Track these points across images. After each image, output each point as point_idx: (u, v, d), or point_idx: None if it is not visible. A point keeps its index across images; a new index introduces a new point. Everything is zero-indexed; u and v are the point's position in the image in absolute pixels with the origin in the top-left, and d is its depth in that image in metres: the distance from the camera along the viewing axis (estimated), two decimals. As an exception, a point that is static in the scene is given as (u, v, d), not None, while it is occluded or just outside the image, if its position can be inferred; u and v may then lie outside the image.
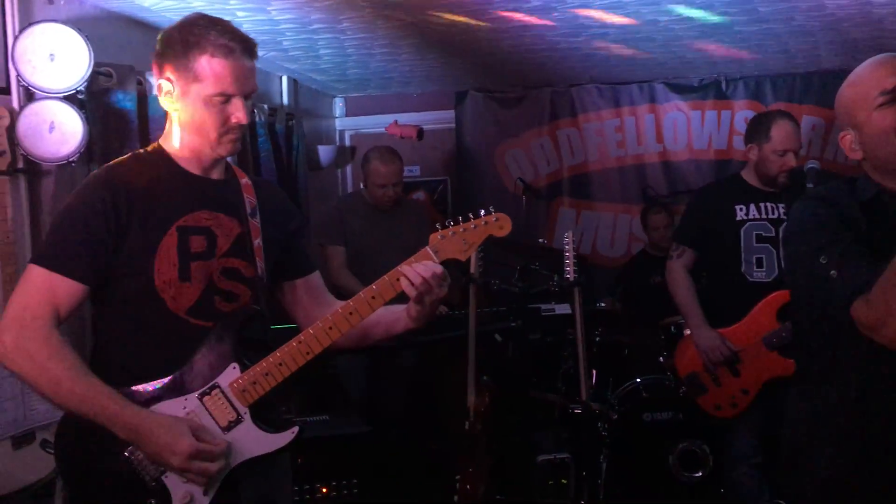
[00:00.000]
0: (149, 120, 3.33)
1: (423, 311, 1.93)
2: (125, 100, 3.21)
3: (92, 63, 2.88)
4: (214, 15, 1.93)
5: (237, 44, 1.85)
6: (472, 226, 1.91)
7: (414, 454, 4.15)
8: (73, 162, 2.92)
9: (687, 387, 3.70)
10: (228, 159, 2.02)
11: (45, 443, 2.63)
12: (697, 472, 3.89)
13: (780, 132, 3.49)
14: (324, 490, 3.36)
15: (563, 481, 3.62)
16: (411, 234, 4.39)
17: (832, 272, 1.65)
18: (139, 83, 3.29)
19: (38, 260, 1.82)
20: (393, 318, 2.02)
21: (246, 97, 1.88)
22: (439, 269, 1.88)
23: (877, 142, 1.73)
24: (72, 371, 1.76)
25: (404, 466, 4.01)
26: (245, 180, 2.03)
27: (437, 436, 4.14)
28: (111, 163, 1.95)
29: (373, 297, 1.90)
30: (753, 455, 3.59)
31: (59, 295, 1.80)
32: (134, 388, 1.82)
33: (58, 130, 2.86)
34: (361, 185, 4.46)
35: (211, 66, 1.82)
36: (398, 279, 1.89)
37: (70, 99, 2.90)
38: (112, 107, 3.17)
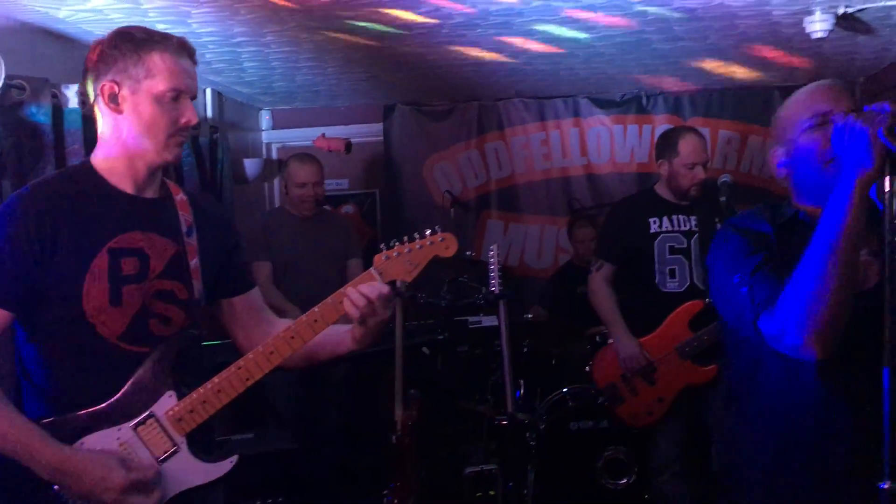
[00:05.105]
0: (64, 133, 3.22)
1: (367, 333, 1.90)
2: (39, 113, 3.11)
3: (3, 76, 2.79)
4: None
5: (182, 46, 1.86)
6: (418, 246, 1.87)
7: (342, 469, 4.12)
8: (-17, 177, 2.82)
9: (605, 397, 3.79)
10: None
11: None
12: (623, 480, 3.96)
13: (687, 147, 3.60)
14: (250, 508, 3.32)
15: (491, 493, 3.65)
16: (338, 244, 4.41)
17: (743, 289, 1.73)
18: (54, 96, 3.19)
19: None
20: (337, 339, 1.97)
21: (192, 98, 1.88)
22: (385, 288, 1.84)
23: (801, 161, 1.82)
24: None
25: (332, 481, 3.98)
26: (181, 196, 1.97)
27: (365, 450, 4.13)
28: (36, 181, 1.87)
29: (315, 321, 1.86)
30: (675, 463, 3.69)
31: None
32: (64, 417, 1.75)
33: (-33, 145, 2.78)
34: (284, 193, 4.52)
35: (164, 62, 1.81)
36: (341, 301, 1.84)
37: (-20, 113, 2.82)
38: (25, 120, 3.07)
